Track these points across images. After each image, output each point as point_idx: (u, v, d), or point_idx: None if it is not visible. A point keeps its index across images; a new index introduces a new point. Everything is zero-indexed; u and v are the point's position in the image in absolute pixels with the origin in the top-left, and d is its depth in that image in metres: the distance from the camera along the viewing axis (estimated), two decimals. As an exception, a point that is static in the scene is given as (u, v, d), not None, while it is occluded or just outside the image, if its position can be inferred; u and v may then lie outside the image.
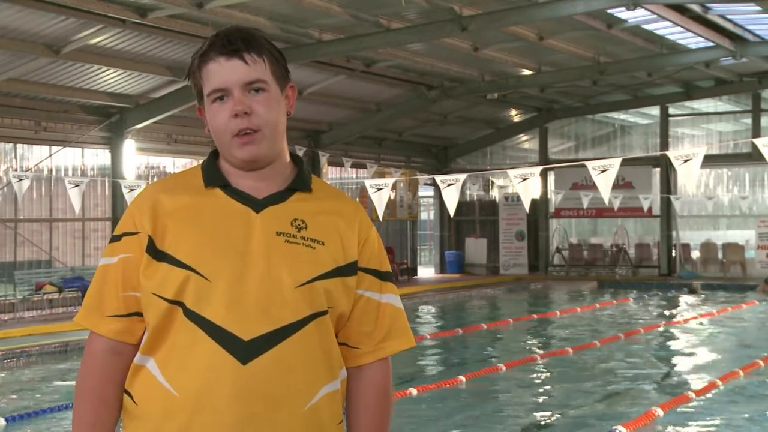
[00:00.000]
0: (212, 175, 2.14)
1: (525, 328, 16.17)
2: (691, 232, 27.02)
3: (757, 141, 11.87)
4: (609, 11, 16.61)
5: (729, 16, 17.92)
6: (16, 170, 16.63)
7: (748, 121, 25.37)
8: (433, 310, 19.48)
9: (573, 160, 23.74)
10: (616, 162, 12.74)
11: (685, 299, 21.29)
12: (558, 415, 8.91)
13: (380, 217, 16.04)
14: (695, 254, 26.07)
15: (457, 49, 18.38)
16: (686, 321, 16.71)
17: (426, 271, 28.76)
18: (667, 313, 18.67)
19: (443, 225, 28.70)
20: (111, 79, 17.03)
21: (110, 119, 18.06)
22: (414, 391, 9.62)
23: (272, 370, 1.99)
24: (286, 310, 2.02)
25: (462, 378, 10.39)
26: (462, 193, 17.74)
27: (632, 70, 21.25)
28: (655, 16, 16.61)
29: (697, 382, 10.49)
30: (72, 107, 17.56)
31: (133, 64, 16.59)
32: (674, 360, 12.79)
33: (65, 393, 9.95)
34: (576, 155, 27.31)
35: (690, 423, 8.44)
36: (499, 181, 27.78)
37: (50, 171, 17.97)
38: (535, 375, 11.28)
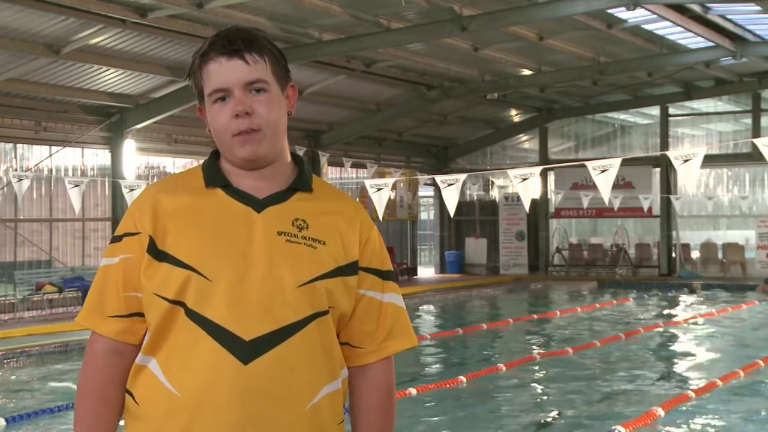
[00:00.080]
0: (213, 175, 2.13)
1: (525, 328, 16.17)
2: (691, 232, 27.02)
3: (757, 141, 11.87)
4: (609, 11, 16.62)
5: (729, 16, 17.93)
6: (16, 170, 16.63)
7: (748, 121, 25.37)
8: (433, 310, 19.48)
9: (573, 160, 23.74)
10: (616, 162, 12.74)
11: (685, 299, 21.29)
12: (558, 415, 8.91)
13: (380, 217, 16.04)
14: (695, 254, 26.07)
15: (457, 49, 18.38)
16: (686, 321, 16.70)
17: (426, 271, 28.76)
18: (667, 313, 18.66)
19: (443, 225, 28.70)
20: (111, 79, 17.03)
21: (110, 119, 18.07)
22: (414, 391, 9.62)
23: (273, 370, 1.99)
24: (287, 309, 2.02)
25: (462, 378, 10.39)
26: (462, 193, 17.75)
27: (632, 70, 21.25)
28: (655, 16, 16.61)
29: (697, 382, 10.49)
30: (72, 107, 17.57)
31: (133, 64, 16.59)
32: (674, 360, 12.78)
33: (65, 393, 9.94)
34: (576, 155, 27.30)
35: (690, 423, 8.44)
36: (499, 181, 27.78)
37: (50, 171, 17.97)
38: (535, 375, 11.28)
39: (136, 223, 2.10)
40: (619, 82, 23.36)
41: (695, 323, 16.41)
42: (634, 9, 15.03)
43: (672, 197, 24.80)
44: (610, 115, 27.32)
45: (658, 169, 25.68)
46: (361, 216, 2.20)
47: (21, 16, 13.74)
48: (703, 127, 26.93)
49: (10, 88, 16.12)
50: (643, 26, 18.22)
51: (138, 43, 15.85)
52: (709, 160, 18.53)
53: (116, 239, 2.12)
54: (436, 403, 9.36)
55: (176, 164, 20.98)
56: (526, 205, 14.22)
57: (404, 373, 10.76)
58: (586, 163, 13.17)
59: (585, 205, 23.63)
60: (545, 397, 9.98)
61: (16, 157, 17.46)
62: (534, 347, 13.74)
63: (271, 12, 15.26)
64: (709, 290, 22.64)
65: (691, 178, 12.61)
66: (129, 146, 18.29)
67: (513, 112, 27.55)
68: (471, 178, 27.17)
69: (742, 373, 10.60)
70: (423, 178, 24.11)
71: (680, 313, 18.60)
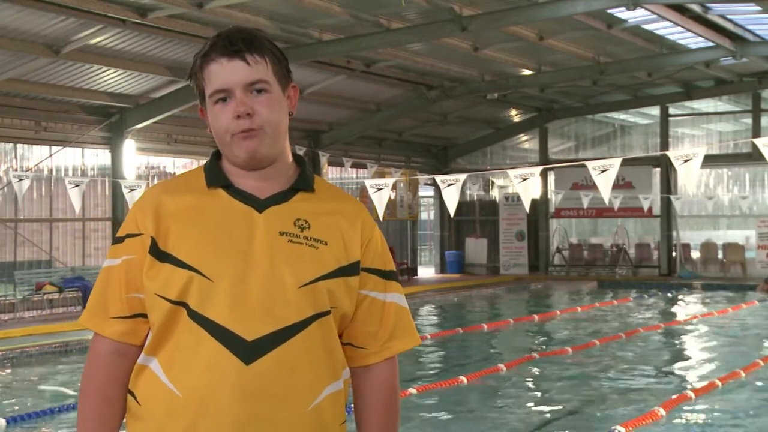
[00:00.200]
0: (214, 175, 2.13)
1: (525, 328, 16.17)
2: (691, 232, 27.02)
3: (757, 141, 11.88)
4: (609, 11, 16.62)
5: (729, 16, 17.93)
6: (16, 170, 16.63)
7: (748, 121, 25.37)
8: (433, 310, 19.48)
9: (573, 160, 23.73)
10: (616, 162, 12.75)
11: (685, 299, 21.29)
12: (558, 415, 8.91)
13: (380, 217, 16.04)
14: (695, 254, 26.07)
15: (457, 49, 18.38)
16: (686, 321, 16.71)
17: (426, 271, 28.76)
18: (667, 313, 18.67)
19: (443, 225, 28.70)
20: (111, 79, 17.03)
21: (110, 119, 18.06)
22: (414, 391, 9.62)
23: (275, 371, 1.99)
24: (289, 310, 2.02)
25: (462, 378, 10.39)
26: (462, 193, 17.75)
27: (632, 70, 21.26)
28: (655, 16, 16.61)
29: (697, 382, 10.49)
30: (72, 107, 17.56)
31: (133, 64, 16.59)
32: (674, 360, 12.78)
33: (65, 393, 9.94)
34: (576, 155, 27.30)
35: (690, 423, 8.44)
36: (499, 181, 27.78)
37: (50, 171, 17.96)
38: (535, 375, 11.28)
39: (138, 225, 2.10)
40: (619, 82, 23.36)
41: (695, 323, 16.41)
42: (634, 9, 15.03)
43: (672, 197, 24.80)
44: (610, 115, 27.32)
45: (658, 169, 25.67)
46: (363, 216, 2.20)
47: (21, 16, 13.74)
48: (703, 127, 26.93)
49: (10, 88, 16.12)
50: (643, 26, 18.22)
51: (138, 43, 15.85)
52: (709, 160, 18.53)
53: (118, 240, 2.13)
54: (436, 403, 9.36)
55: (176, 164, 20.98)
56: (526, 205, 14.23)
57: (404, 372, 10.77)
58: (586, 163, 13.18)
59: (585, 205, 23.63)
60: (545, 397, 9.97)
61: (16, 157, 17.46)
62: (534, 347, 13.74)
63: (271, 12, 15.26)
64: (709, 290, 22.64)
65: (691, 178, 12.62)
66: (129, 146, 18.29)
67: (513, 112, 27.55)
68: (471, 178, 27.16)
69: (742, 373, 10.59)
70: (423, 178, 24.11)
71: (680, 313, 18.60)
